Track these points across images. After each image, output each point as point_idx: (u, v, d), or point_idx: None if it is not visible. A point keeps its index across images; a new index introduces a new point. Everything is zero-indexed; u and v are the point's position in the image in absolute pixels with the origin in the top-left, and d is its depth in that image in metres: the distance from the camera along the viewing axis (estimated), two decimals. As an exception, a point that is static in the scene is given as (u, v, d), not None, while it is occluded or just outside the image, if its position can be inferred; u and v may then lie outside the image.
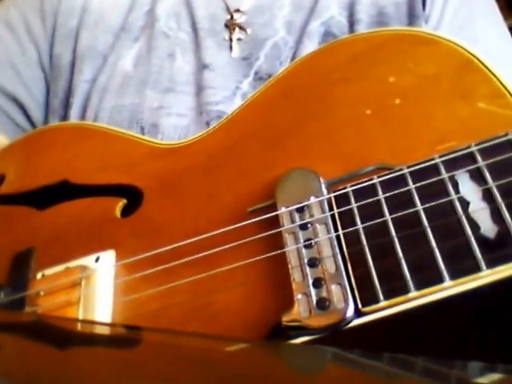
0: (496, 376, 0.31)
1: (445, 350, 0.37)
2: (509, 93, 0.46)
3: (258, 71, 0.67)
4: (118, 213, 0.55)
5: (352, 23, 0.68)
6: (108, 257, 0.50)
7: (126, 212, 0.55)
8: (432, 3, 0.66)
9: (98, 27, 0.73)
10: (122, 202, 0.56)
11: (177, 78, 0.69)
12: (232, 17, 0.71)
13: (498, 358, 0.34)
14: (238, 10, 0.71)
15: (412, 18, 0.66)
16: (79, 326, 0.41)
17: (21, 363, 0.29)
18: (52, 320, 0.40)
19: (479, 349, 0.36)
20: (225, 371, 0.28)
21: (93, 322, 0.45)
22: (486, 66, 0.48)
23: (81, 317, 0.46)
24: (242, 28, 0.70)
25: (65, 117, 0.72)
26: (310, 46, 0.67)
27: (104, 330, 0.40)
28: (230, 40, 0.70)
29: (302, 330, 0.38)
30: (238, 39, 0.70)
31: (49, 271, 0.51)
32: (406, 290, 0.37)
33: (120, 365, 0.29)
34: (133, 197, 0.56)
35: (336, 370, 0.31)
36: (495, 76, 0.48)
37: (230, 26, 0.71)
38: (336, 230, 0.42)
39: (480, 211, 0.38)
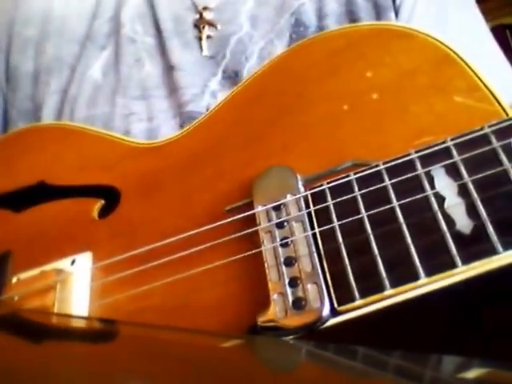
0: (472, 370, 0.30)
1: (422, 348, 0.37)
2: (485, 86, 0.46)
3: (225, 69, 0.67)
4: (95, 214, 0.55)
5: (321, 17, 0.67)
6: (84, 259, 0.49)
7: (103, 213, 0.55)
8: None
9: (63, 36, 0.72)
10: (99, 203, 0.55)
11: (147, 84, 0.68)
12: (201, 15, 0.70)
13: (475, 355, 0.34)
14: (205, 8, 0.71)
15: (379, 9, 0.66)
16: (56, 320, 0.40)
17: None
18: (28, 314, 0.40)
19: (456, 346, 0.36)
20: (200, 366, 0.28)
21: (69, 316, 0.44)
22: (462, 60, 0.48)
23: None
24: (211, 24, 0.69)
25: None
26: (279, 41, 0.66)
27: (80, 324, 0.40)
28: (200, 39, 0.69)
29: (277, 330, 0.38)
30: (208, 36, 0.69)
31: (24, 275, 0.50)
32: (381, 288, 0.36)
33: (96, 359, 0.29)
34: (111, 197, 0.55)
35: (309, 368, 0.31)
36: (471, 69, 0.47)
37: (199, 24, 0.70)
38: (312, 227, 0.41)
39: (455, 207, 0.37)
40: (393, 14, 0.66)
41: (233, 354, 0.32)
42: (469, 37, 0.65)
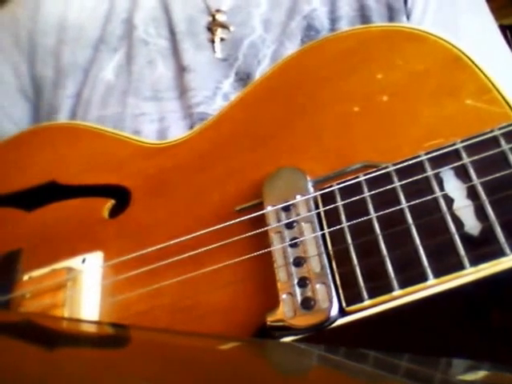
0: (480, 374, 0.31)
1: (429, 350, 0.37)
2: (496, 89, 0.47)
3: (238, 72, 0.68)
4: (105, 213, 0.55)
5: (334, 20, 0.68)
6: (95, 258, 0.50)
7: (114, 212, 0.55)
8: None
9: (78, 42, 0.73)
10: (110, 203, 0.56)
11: (159, 86, 0.69)
12: (214, 18, 0.71)
13: (482, 357, 0.35)
14: (218, 11, 0.72)
15: (392, 11, 0.67)
16: (68, 326, 0.41)
17: (8, 364, 0.29)
18: (40, 319, 0.41)
19: (463, 348, 0.37)
20: (212, 371, 0.28)
21: (81, 321, 0.45)
22: (473, 63, 0.49)
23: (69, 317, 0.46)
24: (224, 27, 0.70)
25: None
26: (290, 44, 0.67)
27: (92, 329, 0.40)
28: (212, 41, 0.70)
29: (286, 330, 0.39)
30: (222, 39, 0.70)
31: (35, 273, 0.51)
32: (390, 289, 0.37)
33: (108, 365, 0.29)
34: (121, 197, 0.56)
35: (319, 372, 0.32)
36: (482, 72, 0.48)
37: (212, 27, 0.71)
38: (322, 228, 0.42)
39: (464, 208, 0.38)
40: (405, 18, 0.66)
41: (244, 359, 0.32)
42: (480, 40, 0.65)
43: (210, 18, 0.71)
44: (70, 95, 0.72)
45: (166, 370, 0.28)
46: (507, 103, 0.46)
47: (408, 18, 0.67)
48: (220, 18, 0.71)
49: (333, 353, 0.33)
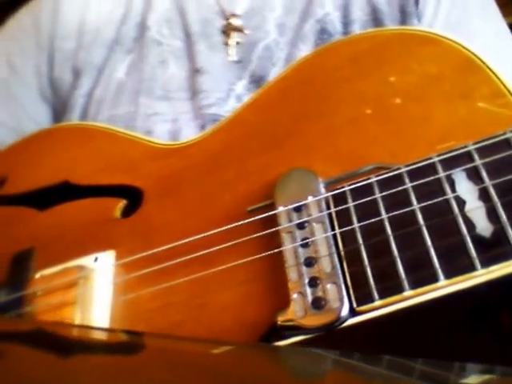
0: (493, 377, 0.31)
1: (439, 351, 0.37)
2: (509, 92, 0.47)
3: (252, 74, 0.69)
4: (118, 213, 0.56)
5: (346, 24, 0.69)
6: (107, 257, 0.51)
7: (126, 212, 0.56)
8: (425, 2, 0.67)
9: (94, 43, 0.75)
10: (122, 203, 0.57)
11: (170, 86, 0.70)
12: (228, 21, 0.72)
13: (492, 358, 0.35)
14: (233, 15, 0.72)
15: (404, 14, 0.67)
16: (80, 333, 0.41)
17: (23, 373, 0.29)
18: (53, 327, 0.41)
19: (474, 350, 0.37)
20: (227, 378, 0.28)
21: (93, 328, 0.45)
22: (487, 66, 0.49)
23: (78, 316, 0.47)
24: (239, 30, 0.71)
25: None
26: (304, 46, 0.68)
27: (105, 336, 0.41)
28: (226, 44, 0.71)
29: (297, 329, 0.39)
30: (237, 43, 0.71)
31: (47, 271, 0.52)
32: (400, 289, 0.37)
33: (121, 371, 0.30)
34: (133, 197, 0.57)
35: (336, 375, 0.32)
36: (496, 76, 0.48)
37: (227, 30, 0.71)
38: (333, 229, 0.42)
39: (476, 210, 0.38)
40: (416, 21, 0.67)
41: (259, 364, 0.33)
42: (491, 45, 0.66)
43: (225, 22, 0.72)
44: (83, 94, 0.73)
45: (180, 376, 0.28)
46: (521, 107, 0.46)
47: (419, 21, 0.67)
48: (235, 22, 0.72)
49: (347, 357, 0.34)
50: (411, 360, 0.32)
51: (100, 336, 0.40)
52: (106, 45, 0.74)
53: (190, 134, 0.64)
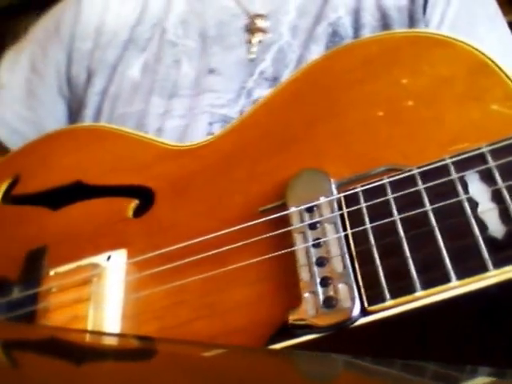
0: (504, 382, 0.31)
1: (450, 352, 0.38)
2: (522, 95, 0.47)
3: (263, 71, 0.71)
4: (130, 213, 0.57)
5: (357, 28, 0.71)
6: (119, 255, 0.52)
7: (138, 212, 0.57)
8: (433, 7, 0.69)
9: (110, 43, 0.78)
10: (134, 203, 0.57)
11: (181, 83, 0.72)
12: (254, 20, 0.75)
13: (503, 361, 0.35)
14: (258, 15, 0.75)
15: (412, 21, 0.69)
16: (92, 340, 0.42)
17: (37, 381, 0.30)
18: (65, 335, 0.42)
19: (485, 350, 0.37)
20: (241, 383, 0.29)
21: (105, 334, 0.46)
22: (499, 68, 0.49)
23: (91, 313, 0.48)
24: (263, 31, 0.74)
25: None
26: (316, 48, 0.70)
27: (117, 343, 0.41)
28: (250, 42, 0.73)
29: (308, 328, 0.40)
30: (259, 41, 0.73)
31: (61, 269, 0.52)
32: (412, 289, 0.38)
33: (134, 378, 0.30)
34: (145, 197, 0.57)
35: (349, 376, 0.32)
36: (508, 78, 0.48)
37: (251, 29, 0.74)
38: (345, 229, 0.43)
39: (488, 212, 0.39)
40: (423, 27, 0.68)
41: (272, 369, 0.33)
42: (497, 52, 0.66)
43: (249, 21, 0.75)
44: (97, 92, 0.76)
45: (193, 382, 0.29)
46: (534, 109, 0.46)
47: (426, 27, 0.68)
48: (260, 23, 0.74)
49: (359, 359, 0.34)
50: (423, 363, 0.32)
51: (112, 342, 0.41)
52: (121, 45, 0.77)
53: (198, 130, 0.67)
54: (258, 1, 0.76)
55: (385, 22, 0.70)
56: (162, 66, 0.74)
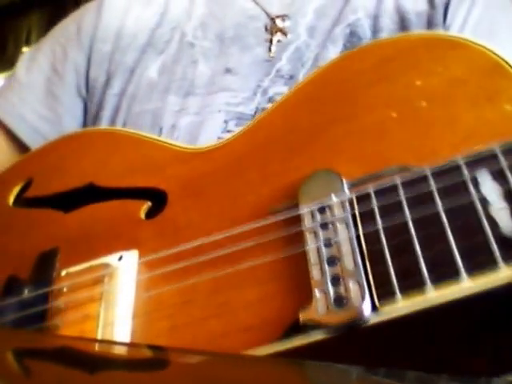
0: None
1: (460, 352, 0.38)
2: (536, 96, 0.48)
3: (279, 69, 0.73)
4: (142, 214, 0.58)
5: (375, 32, 0.72)
6: (131, 256, 0.53)
7: (150, 214, 0.58)
8: (454, 15, 0.70)
9: (130, 46, 0.80)
10: (146, 205, 0.58)
11: (197, 82, 0.75)
12: (274, 22, 0.77)
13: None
14: (278, 16, 0.77)
15: (431, 25, 0.70)
16: (105, 349, 0.42)
17: None
18: (78, 343, 0.42)
19: (494, 350, 0.37)
20: None
21: (118, 343, 0.46)
22: (513, 69, 0.50)
23: (102, 312, 0.49)
24: (282, 32, 0.76)
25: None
26: (334, 48, 0.72)
27: (129, 352, 0.41)
28: (270, 42, 0.75)
29: (318, 326, 0.40)
30: (278, 41, 0.75)
31: (72, 269, 0.53)
32: (422, 287, 0.38)
33: None
34: (157, 199, 0.58)
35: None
36: (524, 80, 0.49)
37: (271, 29, 0.77)
38: (356, 229, 0.43)
39: (500, 210, 0.39)
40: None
41: (283, 381, 0.33)
42: None
43: (267, 22, 0.77)
44: (115, 94, 0.78)
45: None
46: (547, 110, 0.47)
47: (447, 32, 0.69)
48: (280, 23, 0.77)
49: (371, 372, 0.34)
50: (436, 376, 0.32)
51: (124, 352, 0.42)
52: (139, 49, 0.79)
53: (211, 126, 0.69)
54: (276, 3, 0.79)
55: (403, 25, 0.72)
56: (180, 66, 0.76)
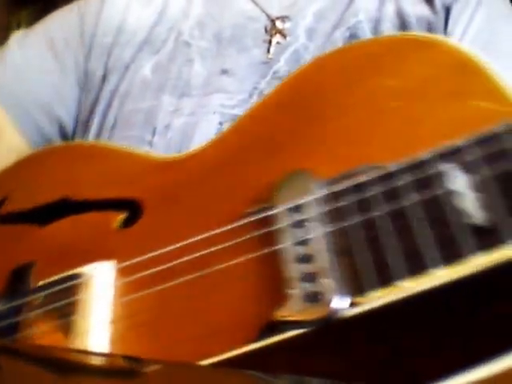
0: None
1: (437, 343, 0.39)
2: (504, 90, 0.49)
3: (276, 71, 0.73)
4: (117, 225, 0.58)
5: (376, 34, 0.73)
6: (107, 264, 0.53)
7: (126, 224, 0.58)
8: (455, 22, 0.70)
9: (128, 43, 0.80)
10: (122, 215, 0.59)
11: (193, 82, 0.75)
12: (274, 23, 0.77)
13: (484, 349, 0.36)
14: (278, 18, 0.78)
15: (432, 32, 0.71)
16: (80, 356, 0.42)
17: None
18: (52, 349, 0.42)
19: (466, 340, 0.38)
20: None
21: (93, 353, 0.46)
22: (482, 65, 0.51)
23: (78, 320, 0.49)
24: (282, 34, 0.76)
25: (87, 124, 0.79)
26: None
27: (104, 361, 0.42)
28: (270, 43, 0.76)
29: (294, 324, 0.41)
30: (277, 42, 0.76)
31: (47, 280, 0.53)
32: (396, 279, 0.39)
33: None
34: (133, 210, 0.59)
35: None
36: (491, 75, 0.50)
37: (270, 30, 0.77)
38: (329, 226, 0.44)
39: (470, 201, 0.40)
40: None
41: None
42: None
43: (267, 23, 0.78)
44: (110, 89, 0.78)
45: None
46: (516, 103, 0.48)
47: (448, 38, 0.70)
48: (279, 25, 0.77)
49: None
50: None
51: (99, 360, 0.42)
52: (137, 46, 0.79)
53: (206, 128, 0.69)
54: (276, 5, 0.79)
55: (404, 29, 0.72)
56: (175, 65, 0.76)
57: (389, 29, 0.72)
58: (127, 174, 0.63)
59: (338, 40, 0.73)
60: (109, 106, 0.76)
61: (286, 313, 0.41)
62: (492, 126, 0.43)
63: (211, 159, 0.58)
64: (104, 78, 0.79)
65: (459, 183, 0.41)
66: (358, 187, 0.45)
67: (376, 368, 0.39)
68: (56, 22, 0.85)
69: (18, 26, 0.91)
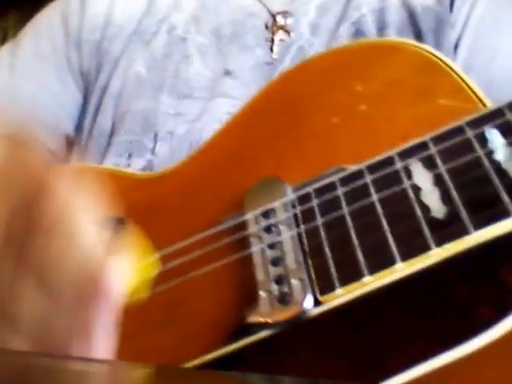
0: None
1: (406, 336, 0.39)
2: (468, 87, 0.50)
3: (282, 72, 0.70)
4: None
5: (382, 28, 0.72)
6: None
7: (109, 241, 0.59)
8: (458, 11, 0.71)
9: (116, 36, 0.78)
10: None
11: (194, 84, 0.72)
12: (275, 20, 0.76)
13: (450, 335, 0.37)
14: (279, 13, 0.76)
15: (438, 22, 0.71)
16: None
17: None
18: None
19: (435, 328, 0.39)
20: None
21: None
22: (445, 64, 0.53)
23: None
24: (285, 30, 0.75)
25: (79, 126, 0.77)
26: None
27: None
28: (272, 41, 0.74)
29: (264, 325, 0.42)
30: (280, 40, 0.74)
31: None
32: (360, 276, 0.40)
33: None
34: (116, 227, 0.60)
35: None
36: (455, 72, 0.52)
37: (272, 27, 0.75)
38: (298, 228, 0.45)
39: (430, 195, 0.41)
40: (450, 30, 0.70)
41: None
42: None
43: (268, 19, 0.76)
44: (100, 87, 0.75)
45: None
46: (480, 100, 0.50)
47: (452, 29, 0.71)
48: (281, 20, 0.76)
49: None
50: None
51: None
52: (126, 38, 0.77)
53: (210, 133, 0.65)
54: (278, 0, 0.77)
55: (412, 21, 0.71)
56: (171, 62, 0.74)
57: (396, 21, 0.72)
58: (110, 192, 0.65)
59: (344, 36, 0.72)
60: (100, 105, 0.74)
61: (257, 315, 0.42)
62: (452, 122, 0.45)
63: (189, 173, 0.60)
64: (95, 74, 0.77)
65: (421, 178, 0.43)
66: (324, 189, 0.46)
67: (346, 362, 0.40)
68: (41, 28, 0.82)
69: (5, 30, 0.90)
